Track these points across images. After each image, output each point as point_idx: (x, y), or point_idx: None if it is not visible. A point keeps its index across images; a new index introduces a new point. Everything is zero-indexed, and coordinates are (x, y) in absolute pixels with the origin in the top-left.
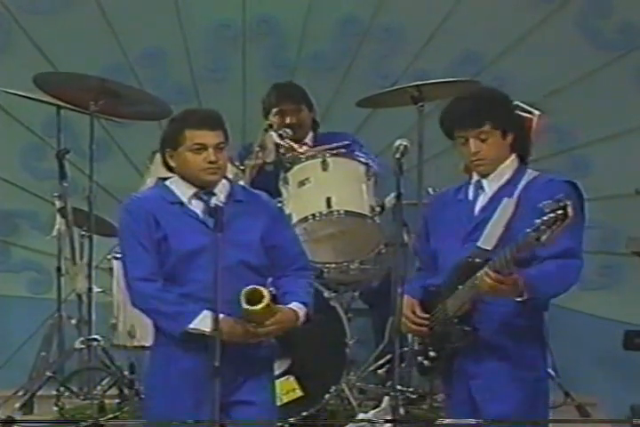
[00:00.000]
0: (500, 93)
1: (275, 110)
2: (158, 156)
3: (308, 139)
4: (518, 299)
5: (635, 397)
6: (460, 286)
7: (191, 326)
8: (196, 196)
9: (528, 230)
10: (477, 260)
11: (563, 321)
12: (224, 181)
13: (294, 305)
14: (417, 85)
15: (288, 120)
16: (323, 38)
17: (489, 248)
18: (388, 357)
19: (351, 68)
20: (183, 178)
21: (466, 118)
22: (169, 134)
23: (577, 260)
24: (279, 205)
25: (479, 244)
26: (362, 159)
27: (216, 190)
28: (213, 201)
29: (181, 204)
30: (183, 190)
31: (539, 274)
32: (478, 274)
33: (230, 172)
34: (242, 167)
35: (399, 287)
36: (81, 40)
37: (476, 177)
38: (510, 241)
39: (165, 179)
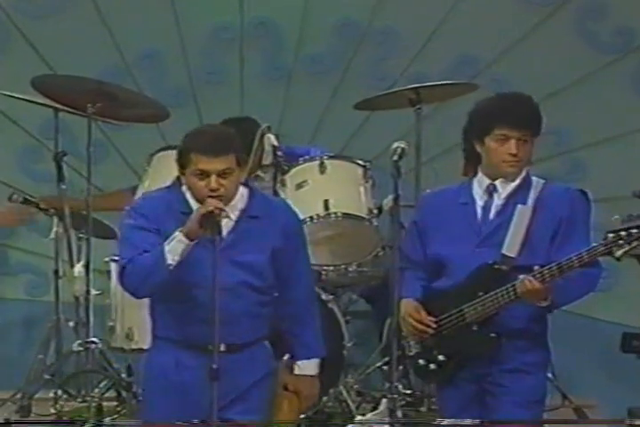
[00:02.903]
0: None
1: None
2: (156, 158)
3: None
4: (543, 304)
5: (632, 399)
6: (481, 293)
7: (167, 248)
8: None
9: (596, 244)
10: (503, 267)
11: (560, 323)
12: (243, 189)
13: (306, 367)
14: (414, 88)
15: None
16: (320, 41)
17: (513, 255)
18: (387, 359)
19: (348, 70)
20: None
21: (522, 119)
22: (179, 154)
23: (598, 269)
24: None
25: (504, 251)
26: (360, 162)
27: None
28: (223, 215)
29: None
30: (194, 203)
31: (563, 281)
32: (517, 282)
33: None
34: None
35: (396, 289)
36: (78, 43)
37: (487, 180)
38: (530, 248)
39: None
